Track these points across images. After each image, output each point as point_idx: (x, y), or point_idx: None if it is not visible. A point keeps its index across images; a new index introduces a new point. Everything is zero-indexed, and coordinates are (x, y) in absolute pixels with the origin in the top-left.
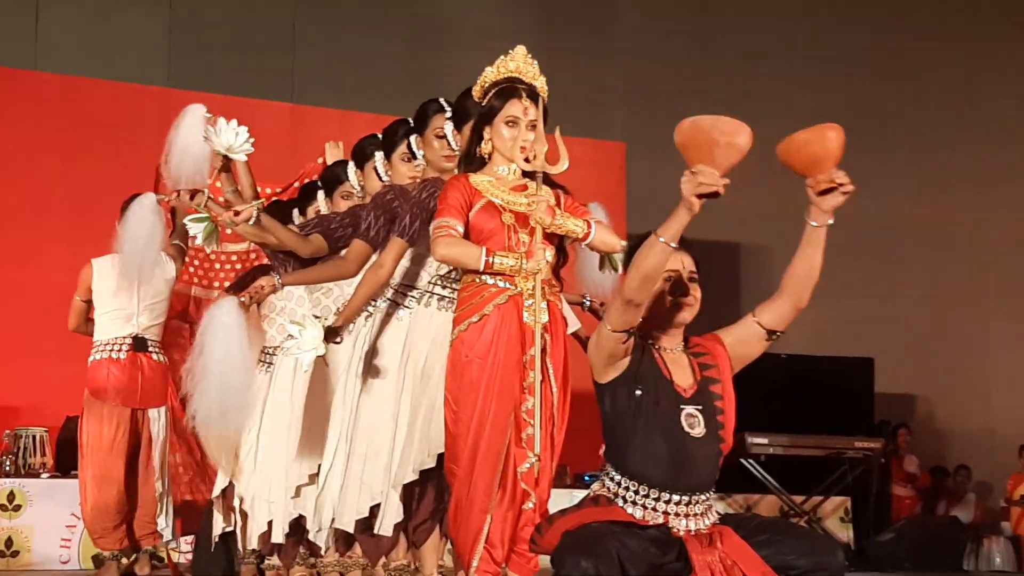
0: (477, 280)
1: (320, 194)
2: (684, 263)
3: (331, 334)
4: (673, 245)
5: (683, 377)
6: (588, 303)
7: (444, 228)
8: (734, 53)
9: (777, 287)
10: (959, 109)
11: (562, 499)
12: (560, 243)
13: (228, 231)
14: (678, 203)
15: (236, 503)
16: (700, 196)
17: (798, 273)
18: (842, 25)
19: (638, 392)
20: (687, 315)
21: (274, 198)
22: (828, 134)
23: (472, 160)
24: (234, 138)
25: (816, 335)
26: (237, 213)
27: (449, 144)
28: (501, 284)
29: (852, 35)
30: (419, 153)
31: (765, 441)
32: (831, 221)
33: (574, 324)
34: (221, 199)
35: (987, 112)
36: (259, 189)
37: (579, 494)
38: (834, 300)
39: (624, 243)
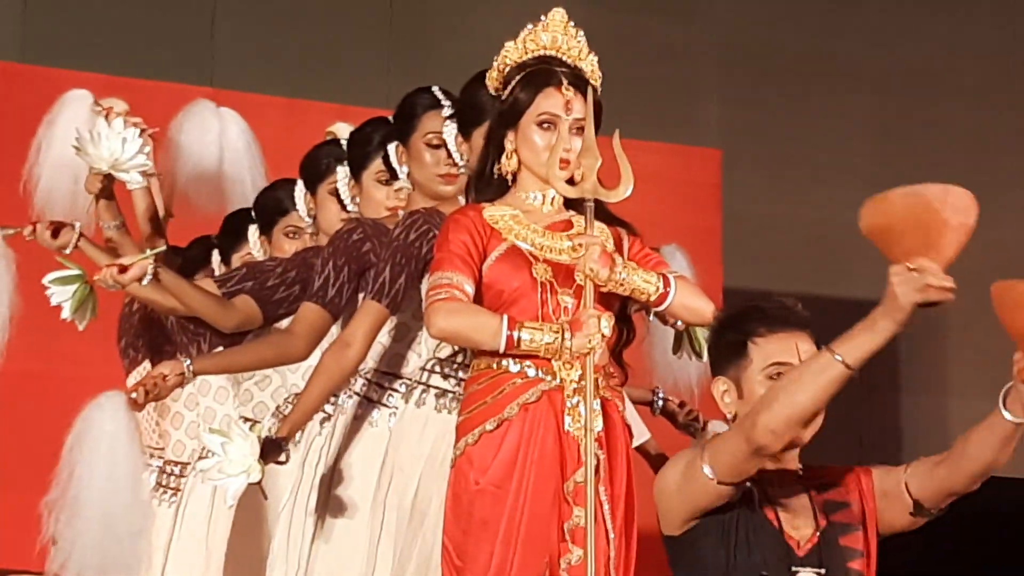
0: (494, 366)
1: (252, 230)
2: (800, 351)
3: (272, 449)
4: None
5: (797, 524)
6: (661, 402)
7: (444, 288)
8: (891, 13)
9: (953, 370)
10: None
11: None
12: (623, 310)
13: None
14: (798, 241)
15: None
16: (923, 305)
17: (971, 458)
18: None
19: (734, 555)
20: (804, 432)
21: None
22: None
23: (487, 183)
24: (120, 147)
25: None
26: (123, 269)
27: (450, 156)
28: (531, 373)
29: None
30: (402, 171)
31: None
32: None
33: (642, 434)
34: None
35: None
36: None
37: None
38: None
39: (714, 309)
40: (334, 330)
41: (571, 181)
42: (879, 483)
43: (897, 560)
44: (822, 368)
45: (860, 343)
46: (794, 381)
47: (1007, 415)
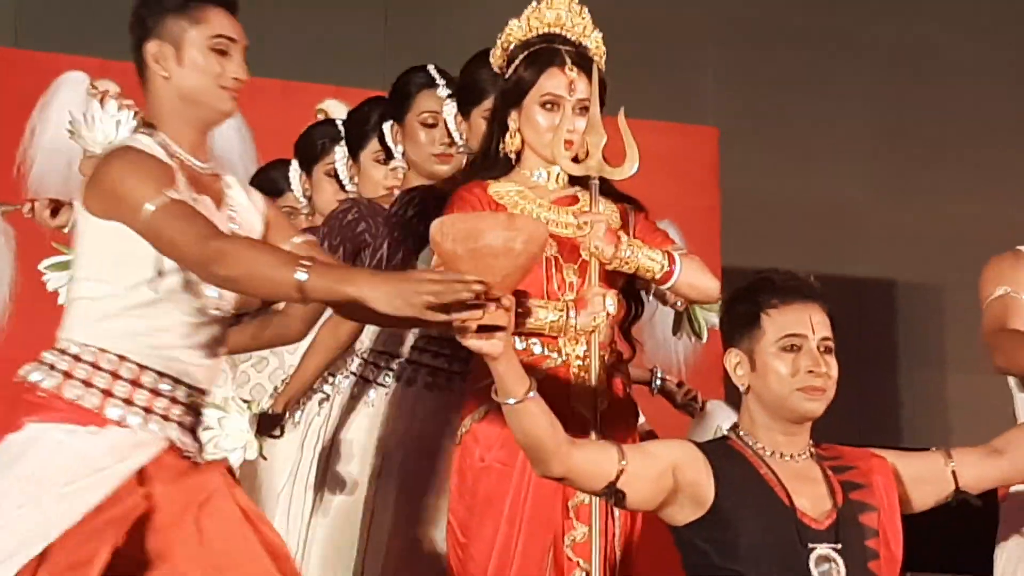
0: None
1: None
2: (813, 323)
3: (267, 424)
4: (530, 395)
5: (813, 500)
6: (660, 381)
7: None
8: None
9: (951, 346)
10: None
11: None
12: (630, 287)
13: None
14: (798, 219)
15: None
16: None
17: None
18: None
19: (741, 540)
20: (816, 405)
21: None
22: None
23: (492, 163)
24: (114, 130)
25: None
26: None
27: (448, 134)
28: (537, 350)
29: None
30: (397, 150)
31: None
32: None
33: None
34: None
35: None
36: None
37: None
38: None
39: (720, 287)
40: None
41: (576, 158)
42: (903, 468)
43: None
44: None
45: (498, 382)
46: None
47: None
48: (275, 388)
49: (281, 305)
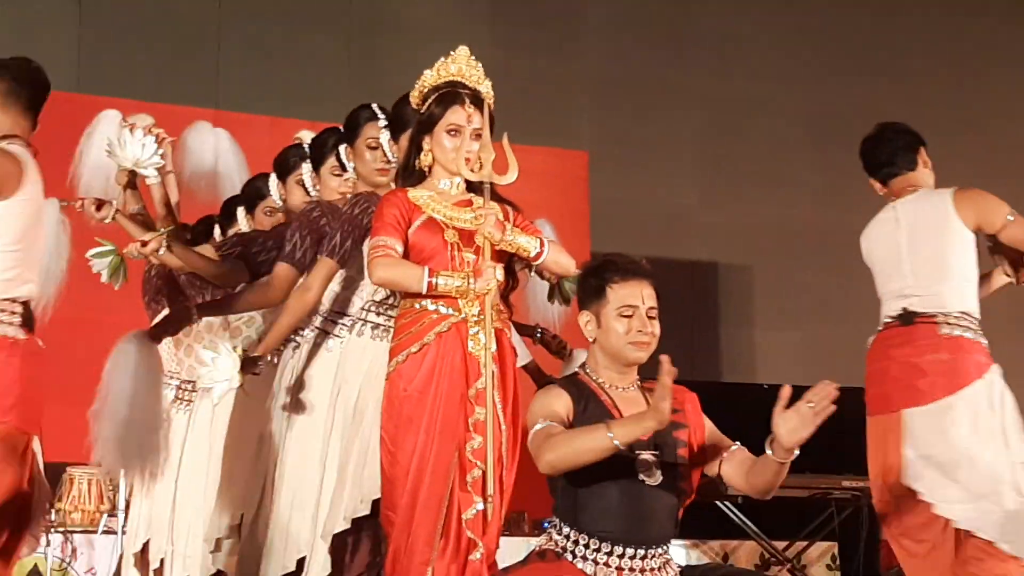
0: (417, 306)
1: (240, 211)
2: (644, 295)
3: (249, 364)
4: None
5: None
6: (539, 335)
7: (381, 248)
8: (714, 49)
9: (757, 310)
10: (965, 108)
11: (520, 548)
12: (510, 264)
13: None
14: (647, 218)
15: (156, 563)
16: None
17: (753, 485)
18: (839, 14)
19: None
20: (642, 355)
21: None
22: None
23: (410, 174)
24: (140, 151)
25: (801, 362)
26: (145, 243)
27: (385, 155)
28: (443, 310)
29: (849, 25)
30: (349, 166)
31: None
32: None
33: (524, 356)
34: (135, 209)
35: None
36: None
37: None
38: (821, 324)
39: (576, 265)
40: (301, 281)
41: (472, 170)
42: (709, 432)
43: None
44: (597, 440)
45: (628, 431)
46: (578, 439)
47: (770, 454)
48: (259, 338)
49: (265, 279)
